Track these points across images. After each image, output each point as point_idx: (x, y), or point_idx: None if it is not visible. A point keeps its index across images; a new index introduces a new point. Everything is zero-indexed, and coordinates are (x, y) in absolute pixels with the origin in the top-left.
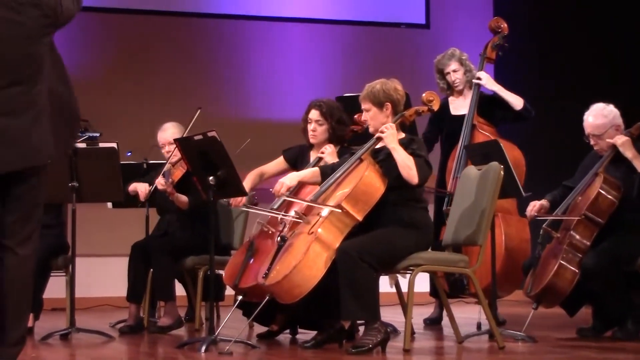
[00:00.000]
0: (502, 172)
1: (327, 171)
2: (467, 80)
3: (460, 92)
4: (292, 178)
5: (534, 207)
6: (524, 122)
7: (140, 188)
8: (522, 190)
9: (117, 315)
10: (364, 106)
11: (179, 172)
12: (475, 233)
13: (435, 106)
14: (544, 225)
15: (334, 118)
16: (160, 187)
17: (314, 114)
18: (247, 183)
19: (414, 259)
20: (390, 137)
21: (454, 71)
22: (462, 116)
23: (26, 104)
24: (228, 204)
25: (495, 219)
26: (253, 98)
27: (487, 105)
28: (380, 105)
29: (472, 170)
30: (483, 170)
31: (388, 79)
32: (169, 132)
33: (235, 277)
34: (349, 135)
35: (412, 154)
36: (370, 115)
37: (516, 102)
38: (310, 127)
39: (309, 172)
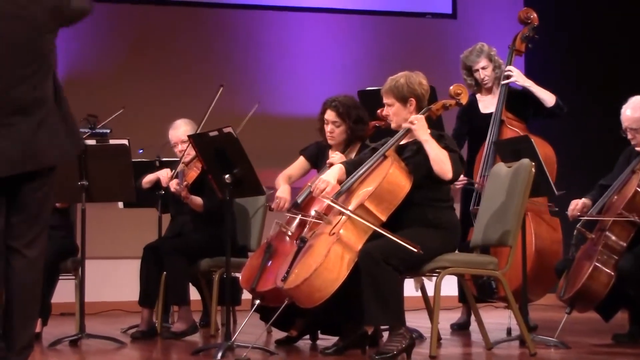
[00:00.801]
0: (533, 170)
1: (349, 169)
2: (497, 76)
3: (490, 90)
4: (329, 179)
5: (576, 205)
6: (557, 118)
7: (162, 174)
8: (554, 188)
9: (128, 320)
10: (386, 100)
11: (193, 173)
12: (505, 233)
13: (464, 99)
14: (578, 226)
15: (351, 118)
16: (173, 189)
17: (330, 115)
18: (284, 186)
19: (440, 261)
20: (422, 129)
21: (483, 68)
22: (492, 114)
23: (35, 102)
24: (270, 209)
25: (525, 218)
26: (269, 92)
27: (517, 100)
28: (403, 100)
29: (501, 167)
30: (513, 167)
31: (412, 71)
32: (181, 130)
33: (253, 280)
34: (370, 132)
35: (445, 148)
36: (393, 111)
37: (548, 98)
38: (328, 128)
39: (336, 172)
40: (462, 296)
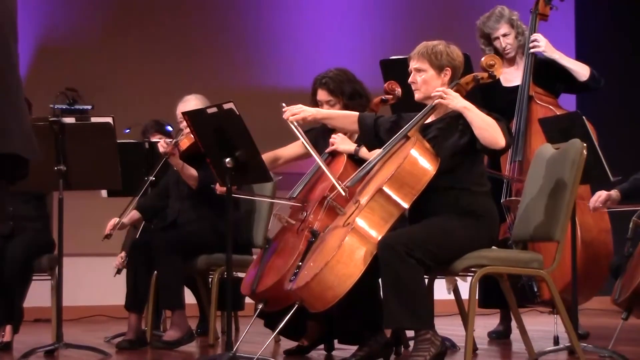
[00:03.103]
0: (585, 152)
1: (366, 121)
2: (520, 44)
3: (512, 60)
4: (312, 111)
5: (599, 197)
6: (592, 92)
7: (162, 143)
8: (609, 173)
9: (113, 327)
10: (417, 65)
11: (187, 141)
12: (551, 226)
13: (498, 72)
14: (634, 217)
15: (345, 94)
16: (161, 149)
17: (322, 95)
18: None
19: (476, 258)
20: (456, 97)
21: (504, 35)
22: (516, 88)
23: None
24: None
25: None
26: (276, 63)
27: (545, 71)
28: (440, 68)
29: (547, 149)
30: (562, 149)
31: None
32: (190, 105)
33: (252, 283)
34: (375, 105)
35: (488, 115)
36: (423, 78)
37: (581, 70)
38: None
39: (339, 113)
40: (485, 300)
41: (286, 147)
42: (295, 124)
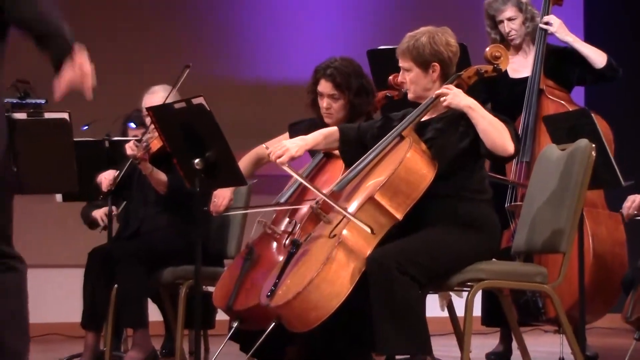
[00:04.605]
0: (594, 153)
1: (349, 133)
2: (528, 31)
3: (519, 47)
4: (298, 145)
5: (632, 202)
6: (608, 84)
7: (105, 175)
8: (620, 177)
9: (68, 347)
10: (402, 64)
11: (157, 142)
12: (557, 236)
13: (504, 65)
14: None
15: (351, 89)
16: (130, 151)
17: (326, 87)
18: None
19: (474, 272)
20: (459, 95)
21: (510, 19)
22: (525, 79)
23: None
24: (209, 213)
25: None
26: (252, 53)
27: (558, 61)
28: (424, 65)
29: (553, 150)
30: (568, 150)
31: (437, 28)
32: (158, 97)
33: (229, 296)
34: (379, 104)
35: (495, 117)
36: (410, 77)
37: (598, 58)
38: (323, 103)
39: (320, 136)
40: (489, 318)
41: (270, 142)
42: (287, 166)
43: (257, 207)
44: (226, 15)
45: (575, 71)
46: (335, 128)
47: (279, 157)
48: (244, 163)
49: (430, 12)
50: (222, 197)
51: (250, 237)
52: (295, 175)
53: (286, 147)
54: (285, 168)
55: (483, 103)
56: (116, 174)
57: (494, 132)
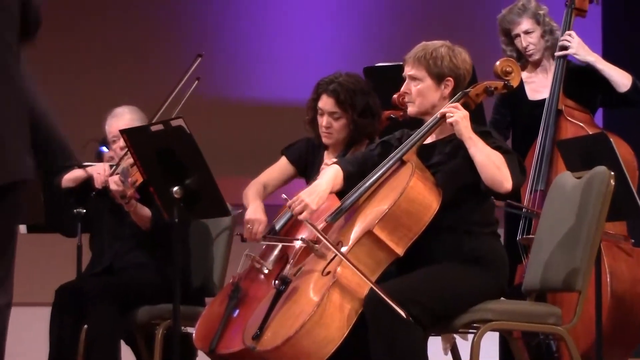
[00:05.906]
0: (613, 182)
1: (349, 170)
2: (547, 45)
3: (537, 64)
4: (315, 198)
5: None
6: (632, 108)
7: (97, 169)
8: None
9: None
10: (411, 72)
11: (139, 175)
12: (572, 273)
13: (515, 81)
14: None
15: (356, 108)
16: (114, 187)
17: (327, 103)
18: (255, 204)
19: (480, 312)
20: (464, 121)
21: (526, 33)
22: (544, 102)
23: None
24: (242, 240)
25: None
26: (236, 70)
27: (579, 81)
28: (439, 77)
29: (567, 178)
30: (584, 178)
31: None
32: (125, 119)
33: (212, 337)
34: (382, 126)
35: (496, 149)
36: (418, 88)
37: (621, 79)
38: (323, 121)
39: (331, 180)
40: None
41: (270, 170)
42: (309, 222)
43: (292, 238)
44: (214, 32)
45: (596, 94)
46: (336, 167)
47: (299, 213)
48: (253, 191)
49: (431, 29)
50: (257, 222)
51: (236, 273)
52: (315, 231)
53: (304, 202)
54: (307, 224)
55: (507, 127)
56: (111, 170)
57: (491, 167)
